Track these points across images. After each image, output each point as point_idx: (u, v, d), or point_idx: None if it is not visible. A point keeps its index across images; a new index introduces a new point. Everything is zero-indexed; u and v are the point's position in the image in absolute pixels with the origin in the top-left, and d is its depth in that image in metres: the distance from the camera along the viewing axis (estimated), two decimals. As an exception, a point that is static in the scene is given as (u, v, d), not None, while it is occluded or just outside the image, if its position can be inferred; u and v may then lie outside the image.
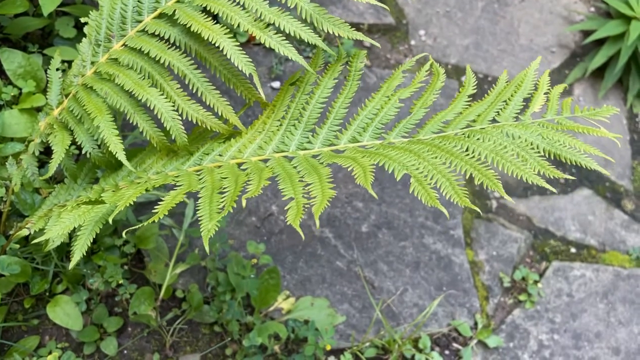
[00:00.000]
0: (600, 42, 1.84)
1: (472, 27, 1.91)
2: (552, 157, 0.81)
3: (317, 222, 0.64)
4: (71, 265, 0.87)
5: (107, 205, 0.85)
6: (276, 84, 1.71)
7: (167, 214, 1.41)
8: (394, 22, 1.89)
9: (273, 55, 1.73)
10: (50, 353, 1.28)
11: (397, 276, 1.50)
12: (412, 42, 1.87)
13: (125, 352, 1.32)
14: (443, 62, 1.85)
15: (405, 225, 1.56)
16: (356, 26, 1.87)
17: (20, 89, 1.32)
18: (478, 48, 1.88)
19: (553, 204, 1.68)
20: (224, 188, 0.76)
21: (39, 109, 1.32)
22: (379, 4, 0.90)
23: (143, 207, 1.43)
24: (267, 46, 0.85)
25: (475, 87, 0.92)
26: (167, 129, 0.91)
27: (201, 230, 0.71)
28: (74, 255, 0.86)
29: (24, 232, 1.01)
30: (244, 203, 0.67)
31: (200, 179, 0.82)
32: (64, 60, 1.24)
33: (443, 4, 1.94)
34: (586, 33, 1.90)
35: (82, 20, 1.01)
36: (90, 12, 1.01)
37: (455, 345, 1.45)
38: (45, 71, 1.40)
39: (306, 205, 0.71)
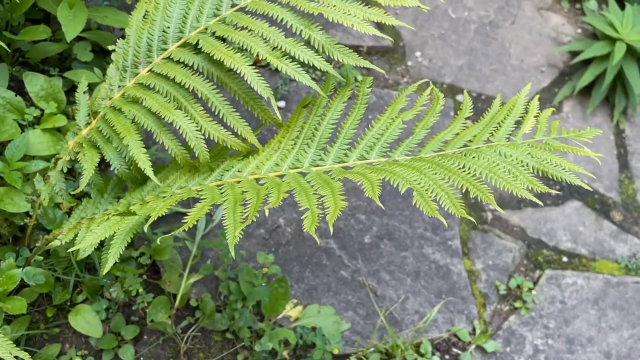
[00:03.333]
0: (587, 62, 1.94)
1: (465, 48, 2.01)
2: (540, 174, 0.90)
3: (332, 229, 0.73)
4: (105, 270, 0.95)
5: (137, 217, 0.93)
6: (281, 104, 1.81)
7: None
8: (391, 44, 1.99)
9: (278, 77, 1.82)
10: (71, 360, 1.35)
11: (398, 285, 1.58)
12: (409, 63, 1.97)
13: (142, 359, 1.39)
14: (438, 81, 1.95)
15: (406, 237, 1.64)
16: (355, 48, 1.97)
17: (42, 110, 1.39)
18: (471, 68, 1.98)
19: (545, 215, 1.76)
20: (246, 200, 0.84)
21: (59, 129, 1.40)
22: (382, 35, 0.99)
23: (157, 221, 1.50)
24: (285, 73, 0.94)
25: (471, 108, 1.01)
26: (192, 148, 0.99)
27: (227, 238, 0.79)
28: (108, 261, 0.94)
29: (56, 243, 1.09)
30: (266, 213, 0.75)
31: (222, 193, 0.90)
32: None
33: (437, 27, 2.05)
34: (574, 53, 2.01)
35: (110, 47, 1.10)
36: (117, 40, 1.10)
37: (455, 350, 1.52)
38: (65, 93, 1.48)
39: (320, 215, 0.79)
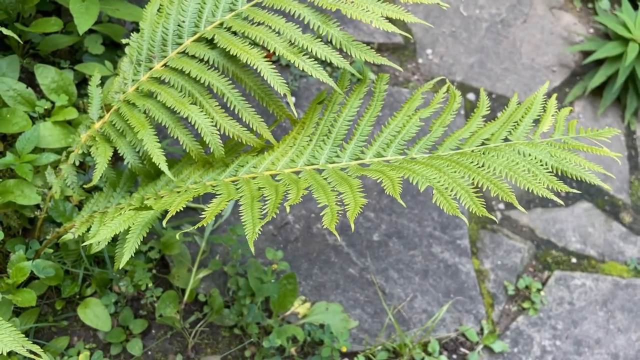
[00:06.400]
0: (599, 62, 1.93)
1: (476, 46, 2.00)
2: (559, 173, 0.90)
3: (353, 226, 0.72)
4: (121, 264, 0.95)
5: (152, 211, 0.93)
6: (292, 99, 1.80)
7: (187, 221, 1.49)
8: (402, 41, 1.98)
9: (288, 73, 1.82)
10: (79, 353, 1.35)
11: (407, 283, 1.57)
12: (420, 61, 1.96)
13: (150, 353, 1.39)
14: (449, 79, 1.94)
15: (415, 235, 1.64)
16: (366, 45, 1.96)
17: (53, 103, 1.39)
18: (482, 67, 1.97)
19: (554, 216, 1.76)
20: (264, 197, 0.84)
21: (70, 122, 1.40)
22: (400, 32, 0.98)
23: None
24: (301, 69, 0.94)
25: (488, 106, 1.00)
26: (207, 143, 0.99)
27: (246, 234, 0.78)
28: (123, 256, 0.94)
29: (69, 237, 1.08)
30: (288, 209, 0.75)
31: (238, 189, 0.90)
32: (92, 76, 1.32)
33: (449, 25, 2.04)
34: (586, 53, 2.00)
35: (124, 41, 1.09)
36: (131, 34, 1.09)
37: (462, 349, 1.52)
38: (76, 86, 1.48)
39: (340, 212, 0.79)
